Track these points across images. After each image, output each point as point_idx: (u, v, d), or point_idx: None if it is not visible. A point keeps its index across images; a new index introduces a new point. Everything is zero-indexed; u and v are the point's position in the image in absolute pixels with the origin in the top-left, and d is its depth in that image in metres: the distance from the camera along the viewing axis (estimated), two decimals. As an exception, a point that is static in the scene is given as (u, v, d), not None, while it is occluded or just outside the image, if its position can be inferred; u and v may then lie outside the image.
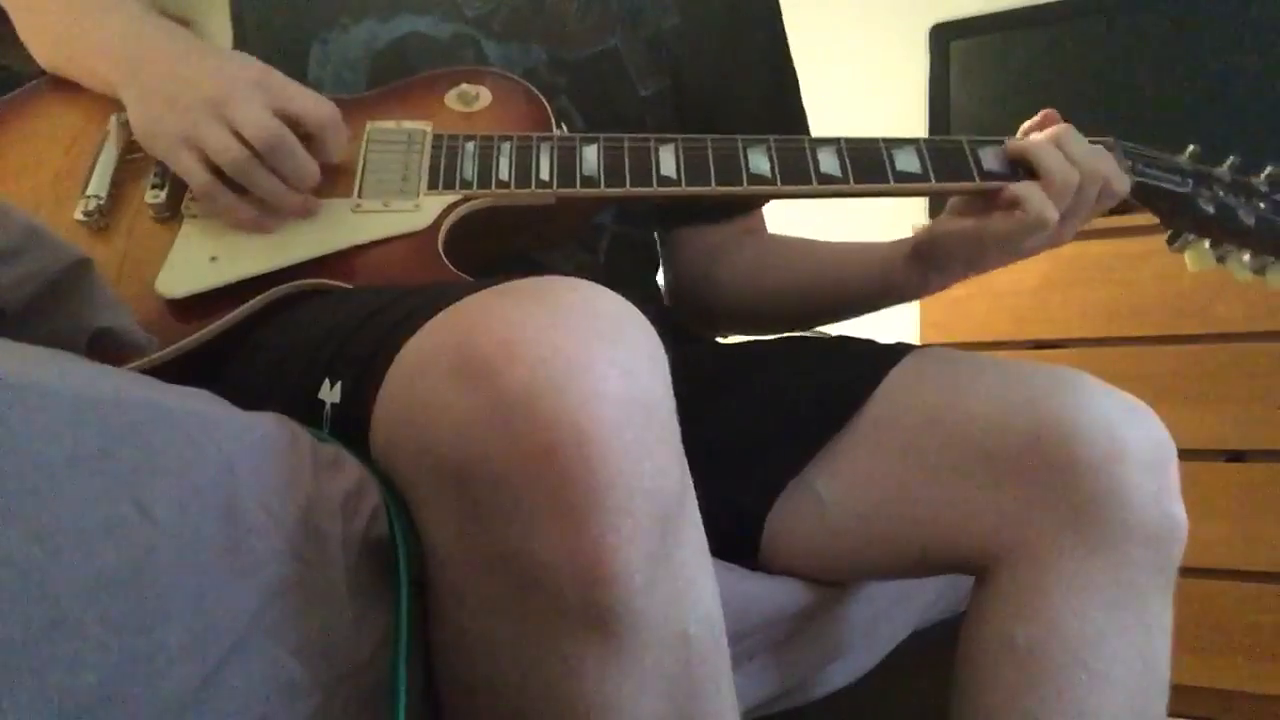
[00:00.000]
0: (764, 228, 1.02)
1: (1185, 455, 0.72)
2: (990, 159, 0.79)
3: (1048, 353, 1.91)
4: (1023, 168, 0.78)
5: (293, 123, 0.71)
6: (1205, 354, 1.80)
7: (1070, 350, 1.90)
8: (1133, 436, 0.69)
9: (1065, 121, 0.81)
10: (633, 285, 0.81)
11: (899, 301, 0.91)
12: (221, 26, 0.95)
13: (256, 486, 0.45)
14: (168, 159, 0.72)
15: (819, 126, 1.02)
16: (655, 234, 1.02)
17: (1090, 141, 0.80)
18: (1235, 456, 1.77)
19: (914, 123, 2.39)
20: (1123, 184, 0.79)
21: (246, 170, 0.70)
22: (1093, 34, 2.23)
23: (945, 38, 2.39)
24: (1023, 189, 0.76)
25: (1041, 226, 0.75)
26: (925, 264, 0.85)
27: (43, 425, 0.38)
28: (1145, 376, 1.80)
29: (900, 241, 0.88)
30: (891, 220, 2.10)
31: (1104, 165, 0.77)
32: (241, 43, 0.93)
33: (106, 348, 0.55)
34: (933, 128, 2.37)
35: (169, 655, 0.40)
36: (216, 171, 0.71)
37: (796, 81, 1.02)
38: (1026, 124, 0.83)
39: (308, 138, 0.72)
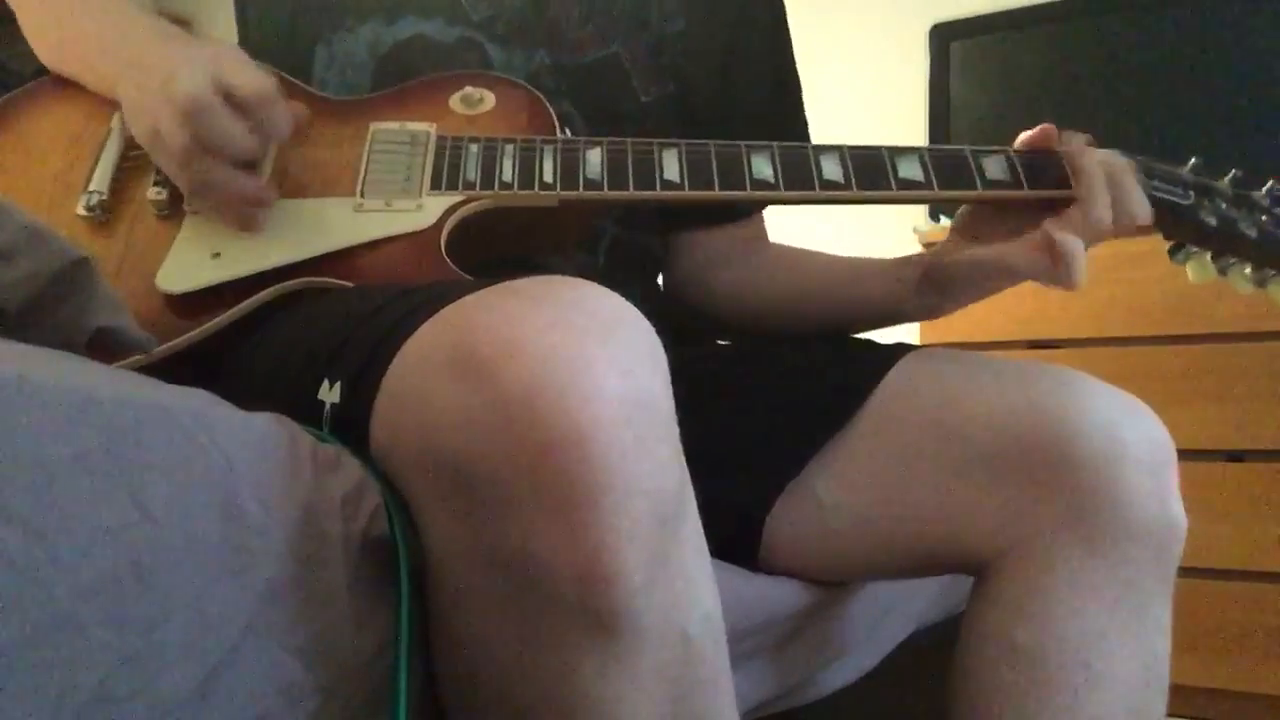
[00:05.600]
0: (765, 235, 1.01)
1: (1185, 455, 0.72)
2: (993, 168, 0.78)
3: (1048, 353, 1.91)
4: (1026, 175, 0.77)
5: (227, 95, 0.68)
6: (1205, 354, 1.80)
7: (1070, 350, 1.90)
8: (1132, 436, 0.69)
9: (1064, 130, 0.80)
10: (633, 287, 0.80)
11: (905, 322, 0.89)
12: (226, 27, 0.95)
13: (256, 486, 0.45)
14: (152, 157, 0.72)
15: (819, 126, 1.02)
16: (657, 237, 1.02)
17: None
18: (1235, 456, 1.77)
19: (914, 123, 2.39)
20: (1144, 209, 0.76)
21: (189, 158, 0.68)
22: (1093, 34, 2.22)
23: (945, 38, 2.38)
24: (1062, 242, 0.72)
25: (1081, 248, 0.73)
26: (940, 291, 0.83)
27: (43, 425, 0.38)
28: (1145, 376, 1.79)
29: (908, 263, 0.85)
30: (892, 221, 2.10)
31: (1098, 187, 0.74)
32: (245, 43, 0.93)
33: (106, 347, 0.55)
34: (933, 128, 2.36)
35: (169, 655, 0.40)
36: None
37: (799, 88, 1.01)
38: (1024, 135, 0.81)
39: (244, 112, 0.69)
